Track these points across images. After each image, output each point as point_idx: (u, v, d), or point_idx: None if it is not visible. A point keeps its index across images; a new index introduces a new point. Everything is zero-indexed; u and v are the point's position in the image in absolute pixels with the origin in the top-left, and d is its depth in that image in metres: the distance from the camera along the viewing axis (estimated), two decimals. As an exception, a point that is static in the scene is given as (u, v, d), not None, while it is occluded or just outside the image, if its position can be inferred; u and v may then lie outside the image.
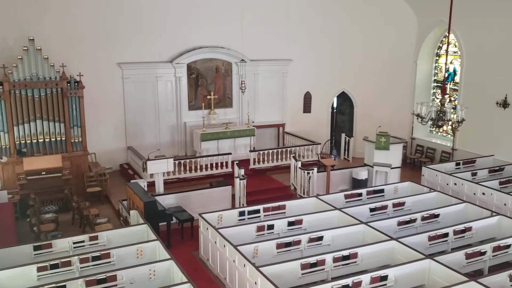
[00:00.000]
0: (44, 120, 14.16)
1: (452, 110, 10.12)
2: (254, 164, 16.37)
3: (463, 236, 10.67)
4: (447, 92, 17.30)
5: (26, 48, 13.74)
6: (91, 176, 14.72)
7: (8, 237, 10.31)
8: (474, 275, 9.18)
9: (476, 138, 16.28)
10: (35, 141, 14.16)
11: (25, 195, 13.10)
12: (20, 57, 13.72)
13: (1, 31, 14.26)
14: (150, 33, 16.54)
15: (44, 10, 14.87)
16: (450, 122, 9.75)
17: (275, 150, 16.93)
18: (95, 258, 9.02)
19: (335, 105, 20.32)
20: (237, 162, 14.05)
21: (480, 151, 16.08)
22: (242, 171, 13.56)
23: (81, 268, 8.89)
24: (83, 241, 9.82)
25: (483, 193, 13.11)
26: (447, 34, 10.67)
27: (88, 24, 15.61)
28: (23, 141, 14.03)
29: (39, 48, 13.86)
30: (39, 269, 8.54)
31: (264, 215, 11.71)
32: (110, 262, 9.13)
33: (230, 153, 16.17)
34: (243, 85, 16.64)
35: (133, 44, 16.39)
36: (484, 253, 9.70)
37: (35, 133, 14.12)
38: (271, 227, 10.82)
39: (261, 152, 16.73)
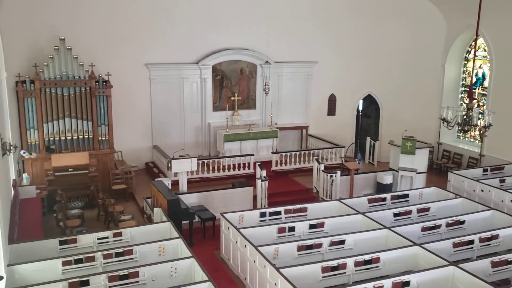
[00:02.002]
0: (73, 118, 14.51)
1: (479, 115, 9.90)
2: (276, 166, 16.38)
3: (489, 244, 10.44)
4: (475, 97, 16.93)
5: (57, 47, 14.11)
6: (117, 173, 14.96)
7: (35, 231, 10.57)
8: (500, 285, 8.97)
9: (505, 144, 15.87)
10: (64, 138, 14.51)
11: (53, 190, 13.41)
12: (51, 56, 14.10)
13: (34, 31, 14.64)
14: (177, 34, 16.74)
15: (75, 11, 15.21)
16: (477, 127, 9.54)
17: (297, 152, 16.91)
18: (118, 254, 9.16)
19: (360, 108, 20.14)
20: (259, 163, 14.08)
21: (509, 158, 15.68)
22: (264, 173, 13.58)
23: (104, 263, 9.05)
24: (107, 237, 9.99)
25: None
26: (475, 39, 10.44)
27: (117, 25, 15.89)
28: (52, 138, 14.41)
29: (69, 47, 14.21)
30: (64, 263, 8.73)
31: (285, 217, 11.69)
32: (132, 258, 9.26)
33: (253, 154, 16.22)
34: (266, 86, 16.65)
35: (160, 46, 16.62)
36: (511, 262, 9.45)
37: (64, 130, 14.48)
38: (292, 229, 10.80)
39: (284, 154, 16.72)
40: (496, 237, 10.48)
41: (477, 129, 9.42)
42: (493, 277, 9.29)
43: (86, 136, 14.76)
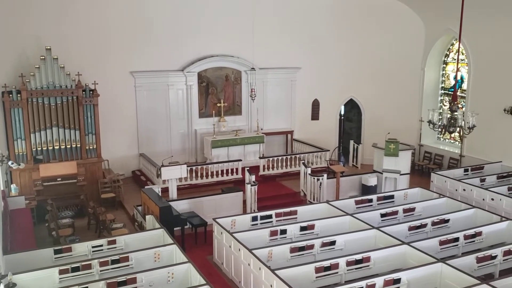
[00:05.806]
0: (60, 127, 14.49)
1: (462, 116, 10.30)
2: (263, 170, 16.59)
3: (473, 241, 10.85)
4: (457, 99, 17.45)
5: (43, 57, 14.09)
6: (105, 182, 14.97)
7: (28, 241, 10.56)
8: (485, 279, 9.34)
9: (484, 145, 16.43)
10: (51, 148, 14.47)
11: (42, 201, 13.37)
12: (38, 66, 14.08)
13: (20, 41, 14.59)
14: (162, 42, 16.87)
15: (61, 21, 15.19)
16: (462, 129, 9.92)
17: (284, 157, 17.16)
18: (114, 262, 9.25)
19: (342, 112, 20.54)
20: (248, 168, 14.27)
21: (488, 158, 16.24)
22: (253, 178, 13.77)
23: (100, 271, 9.12)
24: (101, 245, 10.06)
25: (492, 199, 13.26)
26: (458, 43, 10.89)
27: (103, 34, 15.95)
28: (40, 148, 14.35)
29: (55, 57, 14.20)
30: (61, 272, 8.79)
31: (276, 220, 11.91)
32: (128, 265, 9.36)
33: (240, 160, 16.42)
34: (253, 93, 16.86)
35: (145, 53, 16.72)
36: (495, 257, 9.88)
37: (51, 140, 14.44)
38: (283, 232, 11.03)
39: (271, 158, 16.95)
40: (479, 234, 10.90)
41: (462, 131, 9.74)
42: (478, 272, 9.72)
43: (74, 146, 14.74)
